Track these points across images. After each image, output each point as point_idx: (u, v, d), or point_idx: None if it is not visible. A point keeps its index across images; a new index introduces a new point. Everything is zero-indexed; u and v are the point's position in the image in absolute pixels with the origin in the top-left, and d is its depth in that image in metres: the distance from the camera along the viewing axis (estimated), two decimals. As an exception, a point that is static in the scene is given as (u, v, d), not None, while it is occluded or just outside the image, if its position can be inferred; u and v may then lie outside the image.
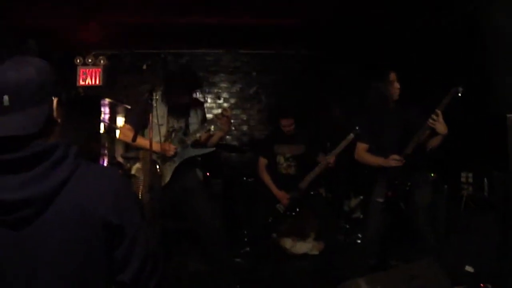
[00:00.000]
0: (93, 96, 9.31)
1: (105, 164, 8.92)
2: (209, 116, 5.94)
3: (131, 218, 1.93)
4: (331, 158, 6.86)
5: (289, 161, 7.20)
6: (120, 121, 9.91)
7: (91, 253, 1.82)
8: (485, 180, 6.30)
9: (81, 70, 9.67)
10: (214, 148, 5.75)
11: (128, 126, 5.49)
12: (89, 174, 1.88)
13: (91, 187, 1.85)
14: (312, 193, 7.12)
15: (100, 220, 1.81)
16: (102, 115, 9.35)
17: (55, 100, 1.91)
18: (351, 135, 6.61)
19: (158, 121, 5.06)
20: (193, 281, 6.27)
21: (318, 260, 7.21)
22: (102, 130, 9.22)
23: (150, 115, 4.93)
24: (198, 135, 5.55)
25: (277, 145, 7.24)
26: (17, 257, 1.74)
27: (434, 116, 4.89)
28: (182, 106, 5.57)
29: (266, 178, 7.16)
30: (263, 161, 7.26)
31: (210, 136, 5.83)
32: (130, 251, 1.91)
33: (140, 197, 5.22)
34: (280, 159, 7.21)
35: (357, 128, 6.26)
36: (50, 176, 1.76)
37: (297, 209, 7.00)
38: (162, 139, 5.22)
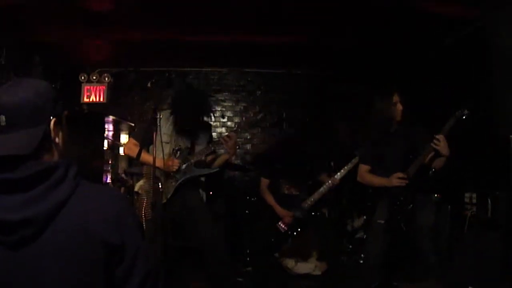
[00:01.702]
0: (97, 113, 9.33)
1: (108, 181, 8.93)
2: (213, 134, 5.94)
3: (132, 237, 1.92)
4: (336, 181, 6.84)
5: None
6: (124, 138, 9.92)
7: (91, 272, 1.81)
8: (489, 200, 6.28)
9: (85, 87, 9.70)
10: (218, 169, 5.75)
11: (133, 141, 5.52)
12: (89, 193, 1.88)
13: (91, 207, 1.84)
14: (313, 213, 7.09)
15: (101, 240, 1.80)
16: (106, 132, 9.36)
17: (52, 120, 1.91)
18: (356, 158, 6.60)
19: (162, 139, 5.05)
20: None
21: (321, 280, 7.19)
22: (105, 147, 9.23)
23: (155, 133, 4.93)
24: (202, 155, 5.56)
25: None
26: (17, 277, 1.73)
27: (437, 138, 4.89)
28: (189, 126, 5.59)
29: (269, 198, 7.13)
30: (265, 182, 7.24)
31: (215, 157, 5.84)
32: (130, 269, 1.90)
33: (143, 214, 5.22)
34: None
35: (359, 148, 6.25)
36: (50, 196, 1.75)
37: (299, 229, 6.97)
38: (166, 156, 5.22)
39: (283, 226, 6.94)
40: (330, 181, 6.88)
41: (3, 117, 1.81)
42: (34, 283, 1.74)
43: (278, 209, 6.99)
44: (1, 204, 1.71)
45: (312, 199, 6.93)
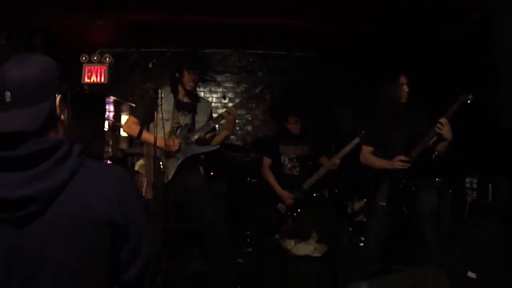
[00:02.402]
0: (97, 93, 9.31)
1: (108, 162, 8.92)
2: (214, 116, 5.92)
3: (136, 217, 1.91)
4: (336, 160, 6.85)
5: (293, 161, 7.20)
6: (125, 119, 9.92)
7: (94, 252, 1.80)
8: (490, 185, 6.28)
9: (86, 68, 9.66)
10: (218, 146, 5.74)
11: (134, 119, 5.49)
12: (93, 172, 1.87)
13: (95, 185, 1.83)
14: (315, 194, 7.11)
15: (104, 218, 1.79)
16: (107, 113, 9.35)
17: (58, 97, 1.90)
18: (357, 139, 6.61)
19: (163, 116, 5.03)
20: (195, 281, 6.26)
21: (320, 262, 7.19)
22: (106, 127, 9.21)
23: (156, 112, 4.91)
24: (202, 132, 5.55)
25: (282, 145, 7.24)
26: (21, 254, 1.72)
27: (441, 121, 4.88)
28: (190, 103, 5.57)
29: (271, 178, 7.15)
30: (267, 161, 7.26)
31: (215, 135, 5.83)
32: (134, 250, 1.90)
33: (143, 194, 5.21)
34: (285, 159, 7.21)
35: (363, 132, 6.24)
36: (54, 174, 1.74)
37: (299, 210, 6.98)
38: (167, 135, 5.20)
39: (283, 207, 6.95)
40: (330, 162, 6.89)
41: (8, 93, 1.79)
42: (38, 260, 1.73)
43: (279, 190, 7.01)
44: (5, 181, 1.70)
45: (312, 180, 6.95)
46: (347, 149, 6.81)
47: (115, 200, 1.84)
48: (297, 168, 7.19)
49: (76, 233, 1.76)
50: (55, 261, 1.74)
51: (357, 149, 6.03)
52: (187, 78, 5.48)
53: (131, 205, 1.91)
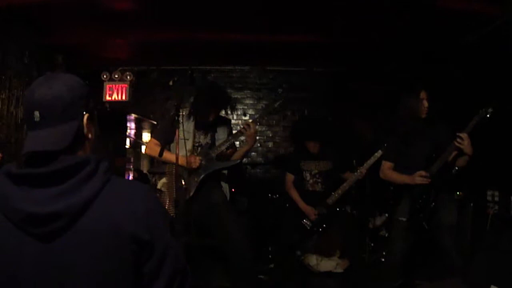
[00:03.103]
0: (119, 111, 9.38)
1: (131, 178, 8.97)
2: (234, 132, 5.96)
3: (161, 234, 1.93)
4: (363, 170, 6.83)
5: (315, 177, 7.18)
6: (146, 136, 9.97)
7: (120, 267, 1.82)
8: (511, 198, 6.26)
9: (107, 86, 9.75)
10: (239, 161, 5.76)
11: (155, 141, 5.54)
12: (120, 189, 1.90)
13: (121, 202, 1.86)
14: (338, 209, 7.10)
15: (130, 235, 1.82)
16: (128, 130, 9.41)
17: (85, 116, 1.94)
18: (379, 152, 6.59)
19: (184, 136, 5.08)
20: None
21: (343, 278, 7.16)
22: (128, 145, 9.28)
23: (177, 130, 4.96)
24: (223, 148, 5.58)
25: (303, 161, 7.23)
26: (47, 270, 1.76)
27: (461, 136, 4.88)
28: (209, 122, 5.62)
29: (294, 194, 7.14)
30: (290, 177, 7.25)
31: (235, 150, 5.86)
32: (158, 267, 1.91)
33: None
34: (307, 175, 7.19)
35: (385, 145, 6.23)
36: (81, 190, 1.78)
37: (324, 225, 6.97)
38: (188, 153, 5.24)
39: (308, 223, 6.95)
40: (355, 174, 6.88)
41: (37, 113, 1.83)
42: (64, 275, 1.76)
43: (303, 205, 7.00)
44: (33, 197, 1.74)
45: (336, 195, 6.93)
46: (371, 160, 6.79)
47: (141, 216, 1.87)
48: (319, 184, 7.16)
49: (102, 248, 1.79)
50: (80, 276, 1.77)
51: (377, 165, 6.03)
52: (207, 111, 5.54)
53: (156, 221, 1.92)
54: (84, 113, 1.94)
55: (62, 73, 2.00)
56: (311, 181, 7.17)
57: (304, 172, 7.20)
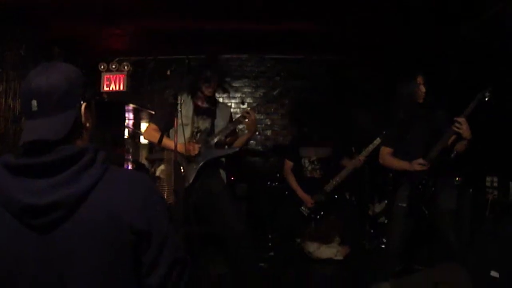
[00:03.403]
0: (117, 101, 9.37)
1: (129, 167, 8.97)
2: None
3: (159, 223, 1.93)
4: (361, 157, 6.84)
5: (314, 164, 7.18)
6: (144, 126, 9.97)
7: (118, 257, 1.83)
8: (511, 184, 6.26)
9: (105, 76, 9.72)
10: (238, 149, 5.75)
11: (154, 126, 5.52)
12: (118, 179, 1.90)
13: (119, 192, 1.86)
14: (336, 196, 7.11)
15: (128, 225, 1.82)
16: (126, 121, 9.40)
17: (83, 105, 1.94)
18: (378, 139, 6.59)
19: (182, 121, 5.07)
20: (216, 285, 6.29)
21: (343, 265, 7.19)
22: (126, 135, 9.27)
23: (175, 118, 4.95)
24: (222, 135, 5.58)
25: (302, 148, 7.23)
26: (46, 260, 1.76)
27: (459, 121, 4.88)
28: (208, 104, 5.61)
29: (292, 181, 7.15)
30: (289, 164, 7.26)
31: (236, 138, 5.86)
32: (157, 256, 1.91)
33: (165, 199, 5.24)
34: (305, 162, 7.20)
35: (384, 132, 6.22)
36: (78, 180, 1.78)
37: (322, 212, 6.99)
38: (187, 139, 5.23)
39: (306, 210, 6.96)
40: (353, 161, 6.89)
41: (35, 102, 1.83)
42: (63, 265, 1.77)
43: (301, 193, 7.01)
44: (32, 188, 1.74)
45: (335, 182, 6.94)
46: (370, 148, 6.80)
47: (139, 206, 1.87)
48: (318, 171, 7.17)
49: (101, 238, 1.79)
50: (80, 266, 1.77)
51: (378, 150, 6.03)
52: (205, 88, 5.53)
53: (154, 211, 1.93)
54: (82, 102, 1.94)
55: (60, 62, 1.99)
56: (310, 167, 7.18)
57: (303, 159, 7.21)
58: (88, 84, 2.00)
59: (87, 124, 1.97)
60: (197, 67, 5.74)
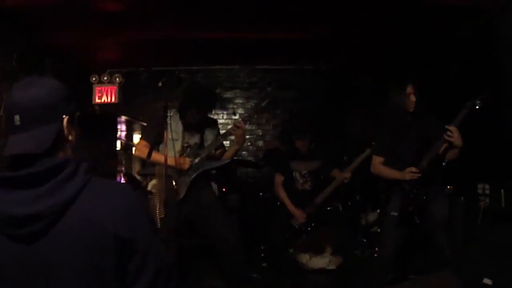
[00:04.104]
0: (109, 113, 9.36)
1: (122, 181, 8.96)
2: (222, 132, 5.97)
3: (143, 233, 1.94)
4: (347, 174, 6.87)
5: (305, 177, 7.20)
6: (137, 138, 9.95)
7: (102, 267, 1.83)
8: (502, 191, 6.27)
9: (96, 88, 9.71)
10: (228, 161, 5.76)
11: (143, 142, 5.54)
12: (100, 189, 1.91)
13: (102, 202, 1.87)
14: (328, 208, 7.11)
15: (111, 234, 1.82)
16: (119, 133, 9.40)
17: (65, 118, 1.95)
18: (368, 151, 6.61)
19: (172, 136, 5.09)
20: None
21: (336, 275, 7.17)
22: (119, 147, 9.26)
23: (165, 131, 4.96)
24: (212, 148, 5.59)
25: (293, 161, 7.25)
26: (28, 270, 1.77)
27: (450, 129, 4.89)
28: (197, 123, 5.61)
29: (283, 195, 7.16)
30: (279, 178, 7.27)
31: (225, 150, 5.87)
32: (141, 265, 1.92)
33: (157, 213, 5.25)
34: (297, 175, 7.21)
35: (373, 144, 6.23)
36: (61, 191, 1.79)
37: (312, 225, 6.99)
38: (177, 154, 5.25)
39: (296, 223, 6.97)
40: (341, 175, 6.91)
41: (17, 117, 1.85)
42: (46, 276, 1.77)
43: (292, 208, 7.03)
44: (15, 199, 1.76)
45: (324, 195, 6.96)
46: (357, 161, 6.82)
47: (122, 216, 1.88)
48: (309, 183, 7.19)
49: (84, 248, 1.80)
50: (64, 276, 1.78)
51: (369, 160, 6.03)
52: (193, 112, 5.55)
53: (137, 220, 1.94)
54: (64, 115, 1.95)
55: (43, 77, 2.02)
56: (301, 180, 7.21)
57: (294, 172, 7.24)
58: (71, 98, 2.01)
59: (70, 137, 1.98)
60: (189, 90, 5.78)
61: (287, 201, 7.11)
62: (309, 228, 7.05)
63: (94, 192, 1.87)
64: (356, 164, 6.85)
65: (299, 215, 6.97)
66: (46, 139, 1.85)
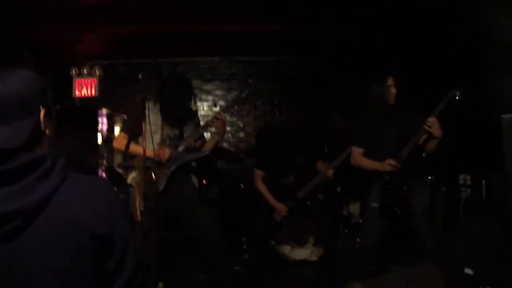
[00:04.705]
0: (89, 106, 9.31)
1: (103, 175, 8.91)
2: (202, 123, 5.94)
3: (121, 229, 1.91)
4: (329, 172, 6.86)
5: (287, 170, 7.17)
6: (118, 131, 9.91)
7: (80, 264, 1.80)
8: (483, 182, 6.30)
9: (77, 81, 9.65)
10: (208, 152, 5.73)
11: (123, 134, 5.49)
12: (78, 185, 1.87)
13: (79, 198, 1.83)
14: (309, 203, 7.10)
15: (89, 231, 1.79)
16: (100, 126, 9.34)
17: (42, 112, 1.90)
18: (347, 151, 6.58)
19: (151, 128, 5.07)
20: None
21: (317, 266, 7.20)
22: (100, 140, 9.21)
23: (143, 123, 4.93)
24: (191, 139, 5.55)
25: (274, 154, 7.21)
26: (6, 269, 1.73)
27: (430, 120, 4.90)
28: (176, 114, 5.58)
29: (264, 190, 7.12)
30: (259, 173, 7.23)
31: (205, 142, 5.84)
32: (120, 262, 1.90)
33: (137, 206, 5.22)
34: (278, 168, 7.18)
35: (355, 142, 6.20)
36: (37, 188, 1.74)
37: (294, 219, 6.99)
38: (157, 146, 5.22)
39: (278, 216, 6.96)
40: (323, 172, 6.90)
41: None
42: (24, 275, 1.74)
43: (273, 201, 7.00)
44: None
45: (306, 190, 6.94)
46: (340, 158, 6.82)
47: (100, 212, 1.84)
48: (291, 177, 7.18)
49: (62, 246, 1.76)
50: (42, 275, 1.74)
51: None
52: (172, 103, 5.53)
53: (116, 217, 1.91)
54: (41, 109, 1.90)
55: (19, 69, 1.95)
56: (282, 174, 7.17)
57: (275, 165, 7.19)
58: (48, 91, 1.96)
59: (47, 131, 1.93)
60: (168, 81, 5.75)
61: (268, 196, 7.07)
62: (290, 222, 7.04)
63: (71, 189, 1.83)
64: (339, 161, 6.84)
65: (281, 208, 6.96)
66: (22, 134, 1.80)
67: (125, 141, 5.17)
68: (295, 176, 7.19)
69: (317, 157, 7.34)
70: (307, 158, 7.22)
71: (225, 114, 5.69)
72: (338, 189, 8.26)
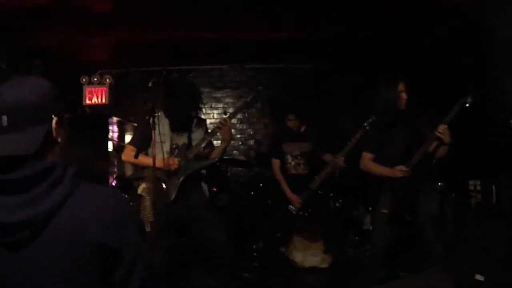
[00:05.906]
0: (100, 114, 9.34)
1: (114, 183, 8.92)
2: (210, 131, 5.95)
3: (129, 240, 1.90)
4: (339, 159, 6.81)
5: (297, 159, 7.12)
6: (129, 139, 9.94)
7: (89, 275, 1.80)
8: (493, 187, 6.28)
9: (87, 89, 9.70)
10: (216, 160, 5.73)
11: (131, 147, 5.49)
12: (87, 195, 1.87)
13: (89, 208, 1.83)
14: (320, 192, 7.05)
15: (97, 242, 1.79)
16: (111, 134, 9.37)
17: (54, 119, 1.90)
18: (360, 132, 6.51)
19: (160, 139, 5.07)
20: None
21: (328, 273, 7.19)
22: (110, 148, 9.23)
23: (153, 132, 4.94)
24: (200, 147, 5.56)
25: (284, 144, 7.20)
26: (14, 278, 1.74)
27: (441, 128, 4.89)
28: (184, 123, 5.60)
29: (282, 181, 7.08)
30: (276, 162, 7.20)
31: (213, 149, 5.84)
32: (128, 273, 1.89)
33: (147, 216, 5.23)
34: (288, 157, 7.15)
35: (365, 124, 6.13)
36: (47, 198, 1.75)
37: (309, 210, 6.96)
38: (165, 156, 5.23)
39: (294, 208, 6.93)
40: (334, 160, 6.85)
41: (5, 117, 1.80)
42: (31, 284, 1.74)
43: (289, 193, 6.96)
44: (2, 205, 1.71)
45: (319, 179, 6.90)
46: (349, 146, 6.75)
47: (109, 224, 1.84)
48: (302, 166, 7.13)
49: (69, 256, 1.76)
50: (48, 283, 1.75)
51: (358, 157, 6.00)
52: (180, 112, 5.55)
53: (125, 228, 1.90)
54: (53, 116, 1.91)
55: (32, 76, 1.96)
56: (293, 163, 7.13)
57: (285, 155, 7.17)
58: (60, 98, 1.96)
59: (59, 139, 1.93)
60: (176, 89, 5.75)
61: (285, 187, 7.04)
62: (305, 214, 7.00)
63: (81, 199, 1.83)
64: (350, 147, 6.77)
65: (295, 200, 6.94)
66: (34, 141, 1.80)
67: (133, 154, 5.19)
68: (306, 167, 7.17)
69: (327, 149, 7.29)
70: (317, 147, 7.21)
71: (230, 120, 5.69)
72: (349, 196, 8.24)
